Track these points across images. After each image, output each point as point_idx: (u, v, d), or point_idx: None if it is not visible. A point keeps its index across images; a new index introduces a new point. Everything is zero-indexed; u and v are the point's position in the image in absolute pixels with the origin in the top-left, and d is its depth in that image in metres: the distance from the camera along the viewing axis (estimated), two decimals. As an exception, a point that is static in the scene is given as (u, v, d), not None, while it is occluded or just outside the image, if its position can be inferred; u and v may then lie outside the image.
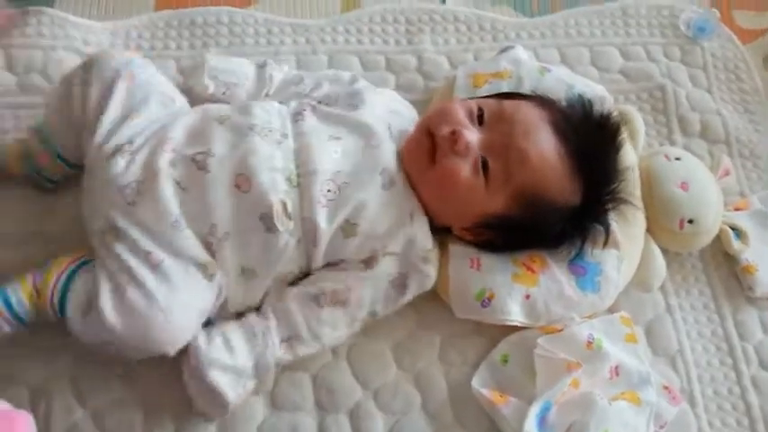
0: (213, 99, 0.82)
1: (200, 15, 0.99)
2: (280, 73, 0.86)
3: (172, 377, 0.75)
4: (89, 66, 0.76)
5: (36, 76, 0.91)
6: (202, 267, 0.70)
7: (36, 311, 0.70)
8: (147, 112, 0.75)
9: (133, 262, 0.67)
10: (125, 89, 0.74)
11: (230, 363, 0.70)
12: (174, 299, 0.67)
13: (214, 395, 0.69)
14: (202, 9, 0.99)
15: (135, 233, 0.69)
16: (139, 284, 0.66)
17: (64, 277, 0.70)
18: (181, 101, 0.80)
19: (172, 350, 0.69)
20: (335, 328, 0.74)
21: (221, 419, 0.74)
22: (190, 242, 0.69)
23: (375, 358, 0.79)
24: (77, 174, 0.82)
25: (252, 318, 0.74)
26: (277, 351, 0.72)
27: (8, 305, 0.69)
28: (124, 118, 0.74)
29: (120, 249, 0.68)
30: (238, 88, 0.83)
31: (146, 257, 0.68)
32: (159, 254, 0.68)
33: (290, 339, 0.73)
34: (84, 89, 0.74)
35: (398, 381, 0.78)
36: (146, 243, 0.68)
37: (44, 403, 0.73)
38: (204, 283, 0.70)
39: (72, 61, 0.91)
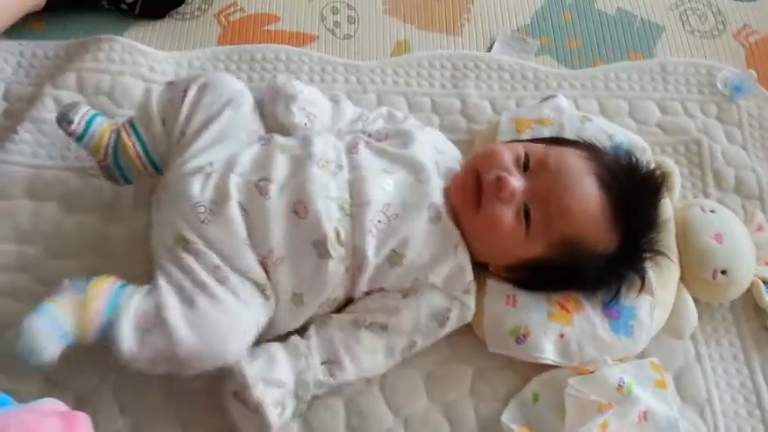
0: (289, 127, 0.85)
1: (260, 51, 1.04)
2: (349, 108, 0.91)
3: (208, 390, 0.77)
4: (205, 86, 0.80)
5: (103, 98, 0.97)
6: (261, 287, 0.73)
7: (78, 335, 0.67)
8: (233, 142, 0.79)
9: (203, 273, 0.70)
10: (228, 118, 0.79)
11: (272, 376, 0.71)
12: (241, 310, 0.71)
13: (257, 415, 0.70)
14: (262, 46, 1.05)
15: (204, 249, 0.72)
16: (209, 293, 0.69)
17: (110, 298, 0.68)
18: (261, 135, 0.83)
19: (231, 361, 0.70)
20: (374, 352, 0.76)
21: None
22: (252, 263, 0.73)
23: (407, 387, 0.81)
24: (138, 188, 0.87)
25: (295, 338, 0.76)
26: (318, 372, 0.74)
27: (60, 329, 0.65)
28: (215, 143, 0.78)
29: (190, 260, 0.71)
30: (317, 120, 0.87)
31: (214, 271, 0.71)
32: (225, 270, 0.72)
33: (330, 363, 0.75)
34: (193, 106, 0.79)
35: (429, 411, 0.80)
36: (214, 258, 0.72)
37: (90, 410, 0.73)
38: (261, 301, 0.73)
39: (137, 86, 0.98)
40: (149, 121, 0.81)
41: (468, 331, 0.82)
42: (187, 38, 1.07)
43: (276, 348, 0.74)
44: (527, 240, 0.76)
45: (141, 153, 0.81)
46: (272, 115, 0.85)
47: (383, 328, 0.76)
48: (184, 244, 0.73)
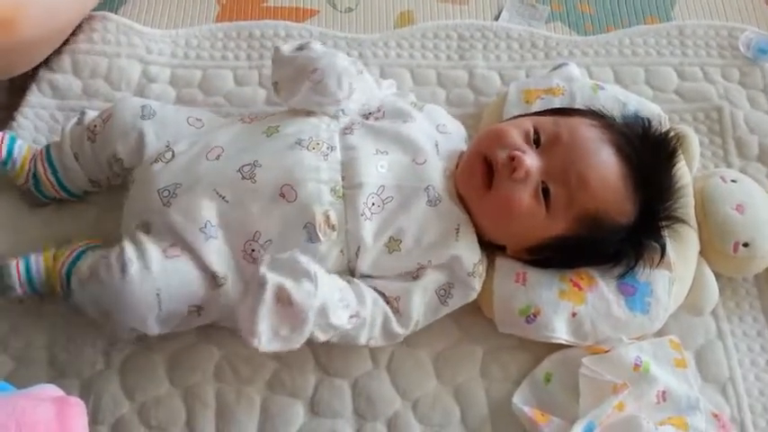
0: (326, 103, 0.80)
1: (259, 28, 1.01)
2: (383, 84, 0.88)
3: (216, 375, 0.77)
4: (109, 116, 0.79)
5: (100, 82, 0.95)
6: (213, 276, 0.71)
7: (48, 282, 0.75)
8: (181, 132, 0.78)
9: (151, 247, 0.70)
10: (152, 130, 0.77)
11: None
12: (168, 287, 0.69)
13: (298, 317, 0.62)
14: (261, 22, 1.02)
15: (162, 230, 0.71)
16: (146, 263, 0.68)
17: (75, 254, 0.75)
18: (207, 117, 0.82)
19: (153, 330, 0.70)
20: (390, 319, 0.73)
21: (261, 422, 0.75)
22: (211, 251, 0.70)
23: (415, 368, 0.79)
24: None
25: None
26: (342, 312, 0.67)
27: (27, 269, 0.74)
28: (160, 135, 0.77)
29: (144, 239, 0.71)
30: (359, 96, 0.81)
31: (164, 249, 0.70)
32: (177, 251, 0.70)
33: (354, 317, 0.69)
34: (106, 142, 0.78)
35: (438, 393, 0.78)
36: (169, 238, 0.71)
37: (93, 395, 0.76)
38: (209, 291, 0.71)
39: (134, 68, 0.96)
40: (62, 154, 0.81)
41: (477, 310, 0.80)
42: (184, 17, 1.05)
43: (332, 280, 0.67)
44: (548, 219, 0.73)
45: (55, 183, 0.82)
46: (311, 91, 0.79)
47: (396, 310, 0.74)
48: (147, 226, 0.73)
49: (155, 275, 0.68)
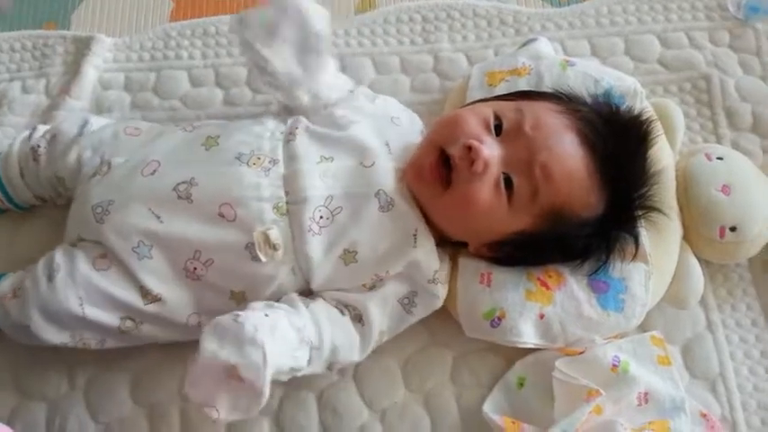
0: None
1: (213, 25, 0.97)
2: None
3: (179, 393, 0.75)
4: (53, 137, 0.78)
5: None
6: (145, 293, 0.69)
7: None
8: (119, 145, 0.76)
9: (81, 256, 0.69)
10: (89, 145, 0.75)
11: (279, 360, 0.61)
12: (90, 295, 0.67)
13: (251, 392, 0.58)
14: (215, 18, 0.98)
15: (96, 245, 0.70)
16: (72, 271, 0.68)
17: None
18: (146, 125, 0.79)
19: (74, 342, 0.70)
20: (351, 341, 0.70)
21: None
22: (145, 270, 0.68)
23: (383, 377, 0.76)
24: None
25: (299, 321, 0.66)
26: (304, 359, 0.66)
27: None
28: (96, 150, 0.75)
29: (76, 250, 0.70)
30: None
31: (94, 259, 0.69)
32: (107, 263, 0.69)
33: (315, 349, 0.67)
34: (51, 160, 0.77)
35: (407, 402, 0.75)
36: (100, 251, 0.69)
37: (59, 417, 0.75)
38: (143, 305, 0.69)
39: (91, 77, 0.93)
40: (8, 167, 0.79)
41: (446, 313, 0.75)
42: (138, 15, 1.01)
43: (286, 329, 0.63)
44: (510, 213, 0.68)
45: (2, 196, 0.81)
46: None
47: (360, 320, 0.70)
48: (81, 241, 0.71)
49: (78, 283, 0.67)
